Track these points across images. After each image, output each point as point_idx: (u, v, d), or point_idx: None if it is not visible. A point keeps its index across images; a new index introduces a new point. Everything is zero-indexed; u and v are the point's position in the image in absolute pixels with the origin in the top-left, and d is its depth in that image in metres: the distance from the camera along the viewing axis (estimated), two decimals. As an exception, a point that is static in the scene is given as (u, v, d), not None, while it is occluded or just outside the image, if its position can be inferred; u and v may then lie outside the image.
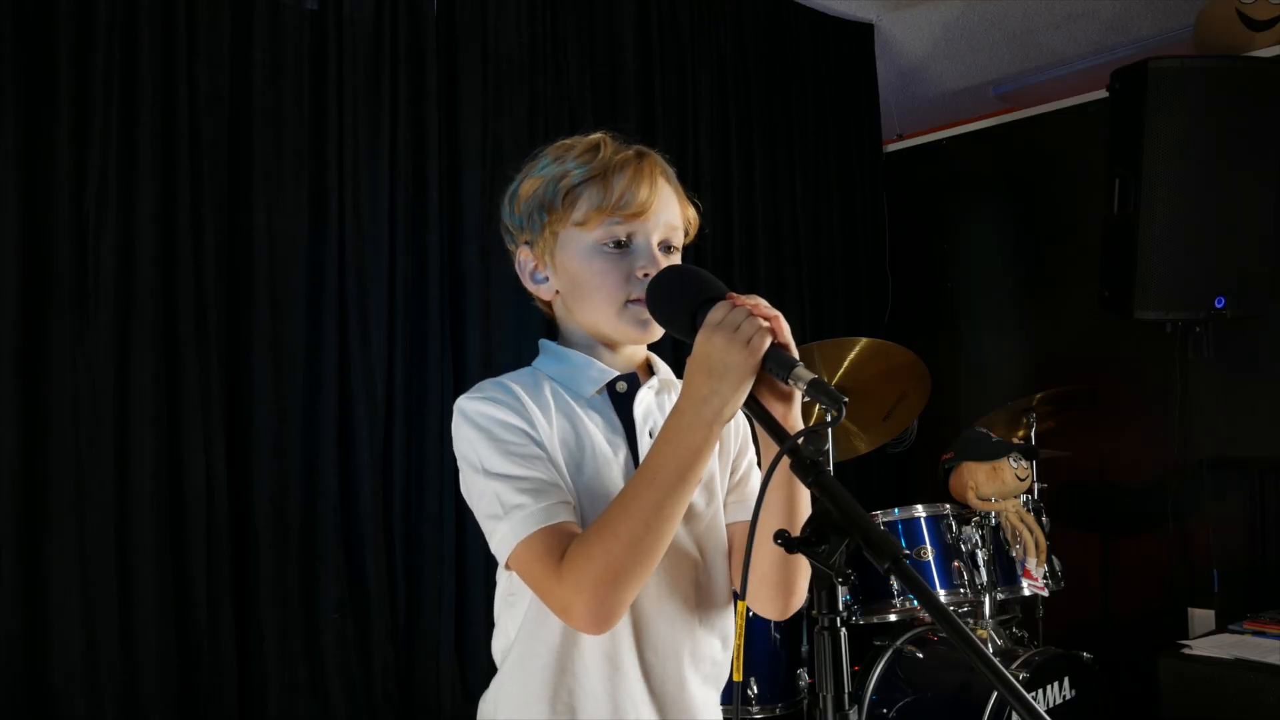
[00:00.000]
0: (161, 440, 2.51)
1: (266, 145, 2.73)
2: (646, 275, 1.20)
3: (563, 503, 1.14)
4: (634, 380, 1.27)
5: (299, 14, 2.80)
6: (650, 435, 1.26)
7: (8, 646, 2.30)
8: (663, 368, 1.32)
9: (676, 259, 1.25)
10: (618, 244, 1.21)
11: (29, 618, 2.34)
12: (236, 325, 2.69)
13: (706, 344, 1.06)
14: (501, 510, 1.13)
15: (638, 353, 1.31)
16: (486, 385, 1.23)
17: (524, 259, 1.29)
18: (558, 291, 1.27)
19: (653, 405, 1.28)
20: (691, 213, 1.30)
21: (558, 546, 1.10)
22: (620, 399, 1.26)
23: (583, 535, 1.11)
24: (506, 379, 1.25)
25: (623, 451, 1.24)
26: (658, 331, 1.22)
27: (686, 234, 1.30)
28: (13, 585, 2.31)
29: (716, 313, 1.06)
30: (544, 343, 1.32)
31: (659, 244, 1.23)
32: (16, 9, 2.35)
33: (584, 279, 1.23)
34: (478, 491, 1.17)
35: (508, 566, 1.18)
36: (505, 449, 1.16)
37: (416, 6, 3.01)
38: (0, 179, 2.32)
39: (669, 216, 1.24)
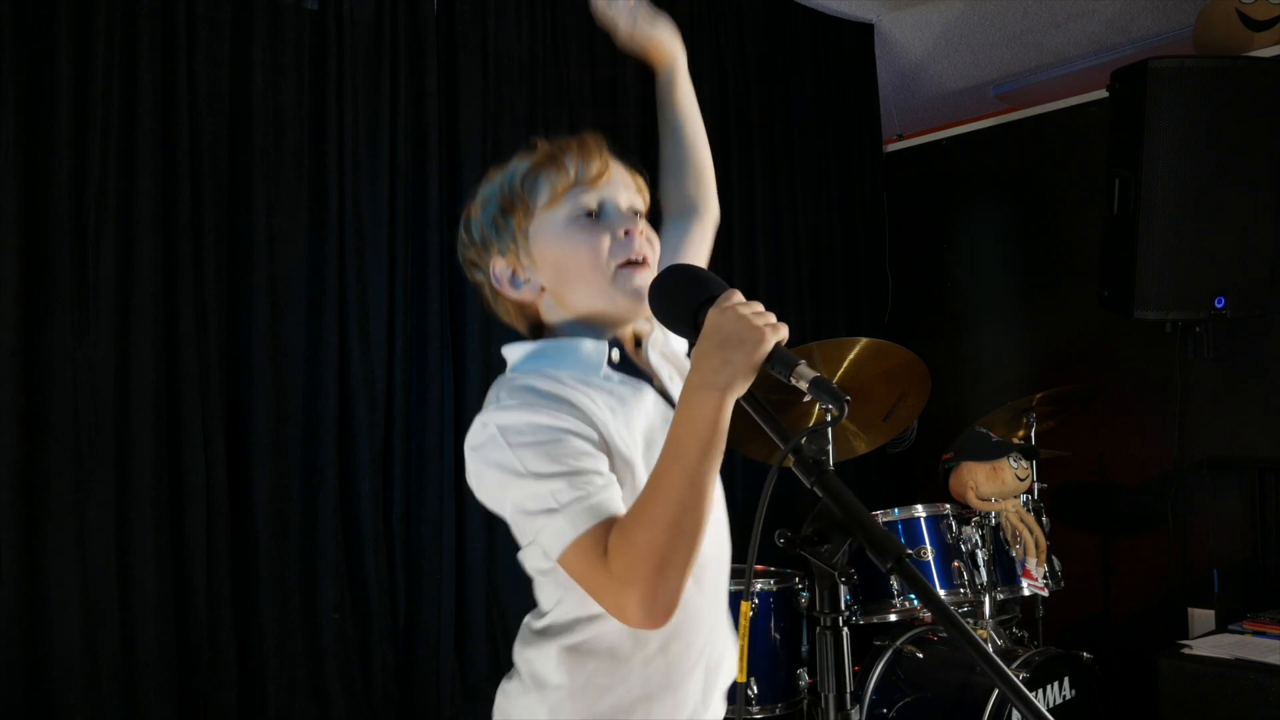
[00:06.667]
0: (161, 440, 2.51)
1: (266, 145, 2.73)
2: (628, 234, 1.21)
3: (614, 494, 1.13)
4: (617, 344, 1.24)
5: (299, 14, 2.80)
6: (671, 379, 1.27)
7: (7, 646, 2.30)
8: (645, 324, 1.31)
9: (646, 227, 1.26)
10: (589, 214, 1.22)
11: (29, 617, 2.34)
12: (236, 325, 2.70)
13: (719, 318, 1.05)
14: (556, 504, 1.10)
15: (629, 333, 1.30)
16: (504, 398, 1.18)
17: (499, 270, 1.26)
18: (543, 288, 1.25)
19: (661, 361, 1.29)
20: (641, 181, 1.31)
21: (604, 541, 1.09)
22: (623, 365, 1.24)
23: (621, 529, 1.08)
24: (521, 384, 1.18)
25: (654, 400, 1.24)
26: None
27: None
28: (13, 585, 2.31)
29: (728, 297, 1.06)
30: (510, 348, 1.26)
31: (628, 209, 1.25)
32: (16, 9, 2.35)
33: (566, 257, 1.22)
34: (527, 494, 1.12)
35: (558, 562, 1.14)
36: (548, 451, 1.12)
37: (416, 6, 3.01)
38: (0, 179, 2.32)
39: (628, 180, 1.27)
